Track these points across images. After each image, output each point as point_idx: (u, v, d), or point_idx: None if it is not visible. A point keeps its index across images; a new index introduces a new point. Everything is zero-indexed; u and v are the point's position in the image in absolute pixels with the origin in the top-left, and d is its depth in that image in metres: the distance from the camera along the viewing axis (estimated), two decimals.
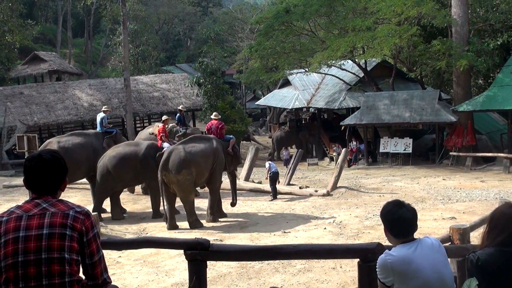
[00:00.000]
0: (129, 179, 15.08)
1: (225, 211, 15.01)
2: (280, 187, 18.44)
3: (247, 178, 20.00)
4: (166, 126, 16.86)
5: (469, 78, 27.36)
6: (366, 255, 4.94)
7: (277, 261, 9.27)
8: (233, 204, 15.21)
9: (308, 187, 18.91)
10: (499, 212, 3.47)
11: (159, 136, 15.73)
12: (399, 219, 3.53)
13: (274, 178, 17.77)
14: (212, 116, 16.03)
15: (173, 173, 13.36)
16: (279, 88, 42.93)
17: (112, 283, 3.42)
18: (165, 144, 15.22)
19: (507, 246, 3.26)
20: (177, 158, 13.46)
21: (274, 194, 17.56)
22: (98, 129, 17.12)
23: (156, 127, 17.99)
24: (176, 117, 19.70)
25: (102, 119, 17.06)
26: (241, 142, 35.30)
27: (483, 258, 3.28)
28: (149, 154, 14.66)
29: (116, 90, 35.37)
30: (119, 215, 15.05)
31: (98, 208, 14.71)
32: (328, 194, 17.60)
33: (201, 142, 14.19)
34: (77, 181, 17.61)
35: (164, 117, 16.64)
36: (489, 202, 14.64)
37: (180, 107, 20.52)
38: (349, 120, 28.98)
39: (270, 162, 18.90)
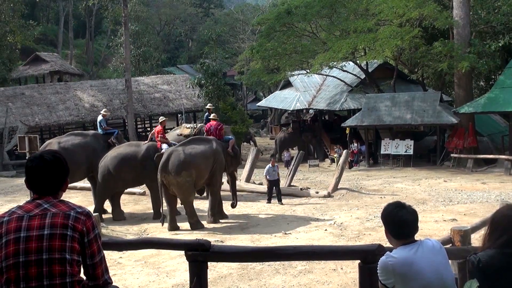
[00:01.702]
0: (129, 180, 15.10)
1: (226, 212, 15.02)
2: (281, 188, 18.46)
3: (248, 180, 20.00)
4: (190, 127, 16.76)
5: (470, 80, 27.33)
6: (367, 257, 4.94)
7: (278, 262, 9.26)
8: (233, 205, 15.21)
9: (309, 188, 18.91)
10: (500, 213, 3.47)
11: (157, 137, 15.53)
12: (400, 220, 3.53)
13: (272, 184, 17.24)
14: (211, 117, 16.03)
15: (173, 175, 13.34)
16: (280, 90, 42.96)
17: (113, 284, 3.42)
18: (164, 145, 15.16)
19: (508, 248, 3.26)
20: (176, 159, 13.44)
21: (279, 196, 17.12)
22: (99, 131, 17.16)
23: (184, 128, 17.92)
24: (205, 116, 19.60)
25: (100, 122, 17.09)
26: (243, 143, 35.29)
27: (484, 260, 3.28)
28: (148, 155, 14.68)
29: (117, 91, 35.42)
30: (120, 215, 15.08)
31: (99, 208, 14.74)
32: (329, 195, 17.62)
33: (201, 143, 14.17)
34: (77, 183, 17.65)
35: (160, 119, 16.44)
36: (490, 204, 14.63)
37: (208, 106, 19.95)
38: (350, 122, 28.98)
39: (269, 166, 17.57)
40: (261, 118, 60.28)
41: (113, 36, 53.69)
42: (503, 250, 3.27)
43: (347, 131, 30.13)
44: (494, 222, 3.44)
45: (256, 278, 9.02)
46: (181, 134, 17.60)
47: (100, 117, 17.24)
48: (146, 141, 15.82)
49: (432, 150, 28.54)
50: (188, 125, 18.45)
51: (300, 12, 30.06)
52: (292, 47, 32.02)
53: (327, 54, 27.93)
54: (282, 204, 16.77)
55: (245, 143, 36.54)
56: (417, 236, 3.61)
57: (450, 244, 6.54)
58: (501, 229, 3.34)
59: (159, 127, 15.79)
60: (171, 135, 18.55)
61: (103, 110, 18.54)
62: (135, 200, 17.72)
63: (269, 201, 17.10)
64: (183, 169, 13.34)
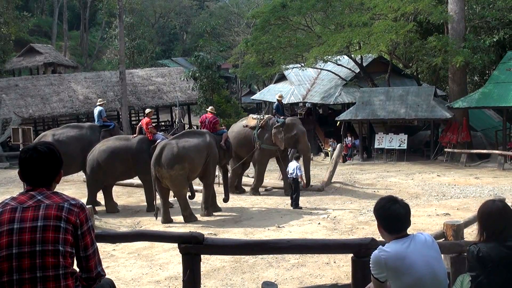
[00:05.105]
0: (119, 173, 15.03)
1: (219, 205, 15.03)
2: (275, 181, 18.44)
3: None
4: (256, 118, 16.87)
5: (464, 75, 27.38)
6: (360, 251, 4.97)
7: (271, 255, 9.29)
8: (225, 200, 15.19)
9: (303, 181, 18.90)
10: (488, 207, 3.51)
11: (147, 129, 15.14)
12: (393, 215, 3.54)
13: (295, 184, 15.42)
14: (208, 110, 15.98)
15: (166, 168, 13.31)
16: (274, 83, 42.87)
17: (106, 276, 3.43)
18: (158, 136, 15.00)
19: (508, 241, 3.30)
20: (169, 153, 13.41)
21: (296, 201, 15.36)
22: (96, 122, 17.04)
23: (250, 119, 17.75)
24: (274, 105, 19.27)
25: (100, 112, 16.96)
26: None
27: (484, 251, 3.31)
28: (141, 148, 14.61)
29: (111, 83, 35.29)
30: (113, 208, 15.05)
31: (92, 201, 14.70)
32: (322, 189, 17.64)
33: (194, 136, 14.16)
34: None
35: (147, 110, 16.24)
36: (483, 199, 14.54)
37: (277, 96, 18.93)
38: (344, 116, 28.97)
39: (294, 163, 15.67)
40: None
41: (107, 28, 53.38)
42: (504, 243, 3.30)
43: (338, 125, 30.09)
44: (484, 215, 3.48)
45: (249, 271, 9.03)
46: (247, 126, 17.44)
47: (99, 108, 17.08)
48: (134, 135, 15.58)
49: (426, 144, 28.58)
50: (255, 116, 18.17)
51: (295, 6, 29.98)
52: (286, 40, 31.93)
53: (322, 47, 27.87)
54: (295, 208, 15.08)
55: None
56: (409, 230, 3.62)
57: (443, 239, 6.58)
58: (492, 221, 3.38)
59: (146, 119, 15.53)
60: (237, 126, 18.16)
61: (99, 100, 18.40)
62: (129, 193, 17.70)
63: (297, 206, 15.22)
64: (176, 162, 13.32)
